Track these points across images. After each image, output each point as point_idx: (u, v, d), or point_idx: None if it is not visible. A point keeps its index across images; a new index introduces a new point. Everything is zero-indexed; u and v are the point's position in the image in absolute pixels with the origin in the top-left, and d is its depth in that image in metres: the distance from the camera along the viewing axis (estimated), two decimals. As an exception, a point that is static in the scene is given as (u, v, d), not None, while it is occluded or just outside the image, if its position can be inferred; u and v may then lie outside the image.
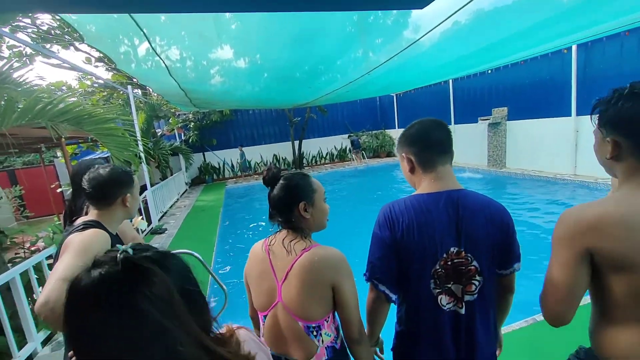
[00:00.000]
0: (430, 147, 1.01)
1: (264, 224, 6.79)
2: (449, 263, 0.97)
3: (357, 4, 0.88)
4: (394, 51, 3.20)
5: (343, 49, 3.17)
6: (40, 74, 10.32)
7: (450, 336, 0.99)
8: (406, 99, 12.86)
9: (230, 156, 13.62)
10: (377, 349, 1.20)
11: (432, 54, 3.63)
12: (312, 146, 14.37)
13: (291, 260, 0.98)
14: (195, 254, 2.57)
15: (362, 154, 13.86)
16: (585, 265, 0.79)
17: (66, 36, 8.39)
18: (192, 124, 12.76)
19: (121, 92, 9.43)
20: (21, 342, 2.59)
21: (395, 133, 13.94)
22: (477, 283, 0.98)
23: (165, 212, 8.24)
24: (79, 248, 1.03)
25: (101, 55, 9.40)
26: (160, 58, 2.66)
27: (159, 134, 11.29)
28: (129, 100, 6.68)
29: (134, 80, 9.10)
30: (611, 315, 0.81)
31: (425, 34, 2.75)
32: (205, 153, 13.29)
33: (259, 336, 1.12)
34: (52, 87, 8.41)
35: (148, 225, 6.29)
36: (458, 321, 0.99)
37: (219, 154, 13.42)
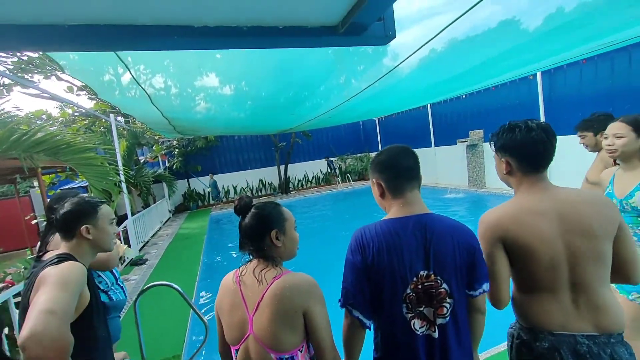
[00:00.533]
0: (399, 174, 1.05)
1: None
2: (420, 286, 0.98)
3: (321, 42, 0.94)
4: (375, 77, 3.34)
5: (325, 75, 3.30)
6: (19, 103, 10.18)
7: None
8: (388, 123, 13.28)
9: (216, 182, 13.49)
10: None
11: (411, 80, 3.83)
12: (298, 170, 14.44)
13: (262, 290, 0.97)
14: (175, 286, 2.46)
15: (347, 177, 14.04)
16: (500, 250, 1.07)
17: (47, 66, 8.36)
18: (177, 150, 12.66)
19: (103, 120, 9.35)
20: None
21: (379, 156, 14.22)
22: (448, 306, 0.99)
23: (147, 242, 7.95)
24: (58, 281, 0.99)
25: (83, 83, 9.38)
26: (142, 87, 2.69)
27: (142, 161, 11.12)
28: (111, 128, 6.62)
29: (117, 108, 9.06)
30: (518, 286, 1.12)
31: (403, 61, 2.91)
32: (189, 179, 13.11)
33: None
34: (32, 116, 8.25)
35: (127, 257, 6.01)
36: (432, 345, 0.99)
37: (203, 180, 13.27)
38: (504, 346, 2.34)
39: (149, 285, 2.43)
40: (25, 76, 7.63)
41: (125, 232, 6.68)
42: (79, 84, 9.47)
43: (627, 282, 1.09)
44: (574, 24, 2.39)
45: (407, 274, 0.98)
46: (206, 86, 3.18)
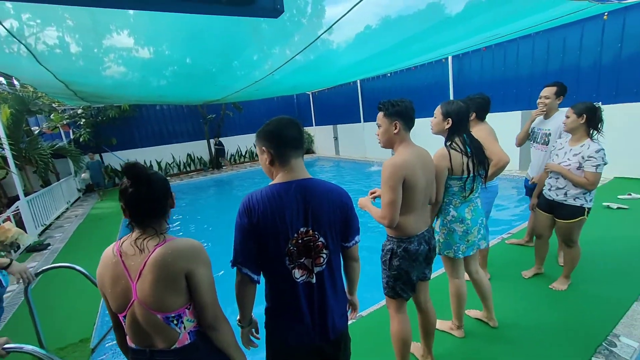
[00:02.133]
0: (286, 143, 1.15)
1: (175, 226, 6.32)
2: (300, 241, 1.13)
3: (203, 9, 0.92)
4: (309, 48, 3.36)
5: (254, 43, 3.19)
6: None
7: (306, 303, 1.17)
8: (321, 98, 13.44)
9: (135, 157, 12.11)
10: (253, 330, 1.31)
11: (344, 54, 3.95)
12: (231, 144, 13.86)
13: (144, 257, 0.99)
14: (78, 268, 2.29)
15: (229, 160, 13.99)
16: (401, 184, 1.51)
17: None
18: (83, 120, 10.90)
19: (-27, 80, 7.47)
20: None
21: (313, 130, 14.45)
22: (324, 256, 1.16)
23: (49, 225, 6.92)
24: None
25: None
26: (23, 43, 2.26)
27: (35, 132, 9.34)
28: (-13, 90, 5.38)
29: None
30: (402, 211, 1.56)
31: (324, 32, 2.96)
32: (102, 154, 11.53)
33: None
34: None
35: (23, 244, 5.19)
36: (311, 290, 1.17)
37: (120, 155, 11.83)
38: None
39: (42, 268, 2.17)
40: None
41: (18, 215, 5.71)
42: None
43: (436, 203, 1.82)
44: (485, 8, 2.76)
45: (289, 231, 1.11)
46: (117, 47, 2.80)
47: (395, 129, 1.56)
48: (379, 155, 10.70)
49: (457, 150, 1.81)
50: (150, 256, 0.98)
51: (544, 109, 2.79)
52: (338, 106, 12.31)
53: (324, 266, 1.17)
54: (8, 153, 5.64)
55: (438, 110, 1.93)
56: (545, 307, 2.41)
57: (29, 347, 1.37)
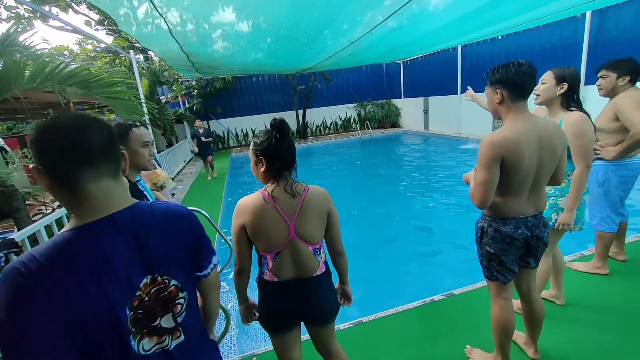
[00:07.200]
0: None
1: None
2: None
3: None
4: (401, 11, 3.12)
5: (347, 8, 3.12)
6: (44, 37, 10.14)
7: None
8: (413, 67, 12.50)
9: (234, 125, 13.62)
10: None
11: (438, 10, 3.50)
12: (316, 115, 14.26)
13: (298, 201, 1.18)
14: (203, 212, 2.75)
15: (366, 124, 13.76)
16: (497, 166, 1.34)
17: (64, -3, 8.13)
18: (196, 91, 12.64)
19: (123, 58, 9.31)
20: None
21: (401, 103, 13.71)
22: None
23: (173, 179, 8.48)
24: None
25: (101, 18, 9.16)
26: (163, 18, 2.67)
27: (162, 100, 11.26)
28: (132, 65, 6.64)
29: (136, 44, 8.92)
30: (499, 192, 1.41)
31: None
32: (209, 121, 13.29)
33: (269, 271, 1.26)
34: (54, 52, 8.33)
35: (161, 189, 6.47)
36: None
37: (222, 122, 13.43)
38: (346, 325, 2.21)
39: (180, 209, 2.75)
40: (44, 8, 7.51)
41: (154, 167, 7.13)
42: (96, 17, 9.25)
43: (555, 184, 1.53)
44: None
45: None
46: (223, 22, 3.10)
47: (499, 97, 1.39)
48: (476, 132, 9.60)
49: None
50: (304, 199, 1.18)
51: None
52: (431, 76, 11.28)
53: None
54: (146, 111, 6.96)
55: (549, 75, 1.78)
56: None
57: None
